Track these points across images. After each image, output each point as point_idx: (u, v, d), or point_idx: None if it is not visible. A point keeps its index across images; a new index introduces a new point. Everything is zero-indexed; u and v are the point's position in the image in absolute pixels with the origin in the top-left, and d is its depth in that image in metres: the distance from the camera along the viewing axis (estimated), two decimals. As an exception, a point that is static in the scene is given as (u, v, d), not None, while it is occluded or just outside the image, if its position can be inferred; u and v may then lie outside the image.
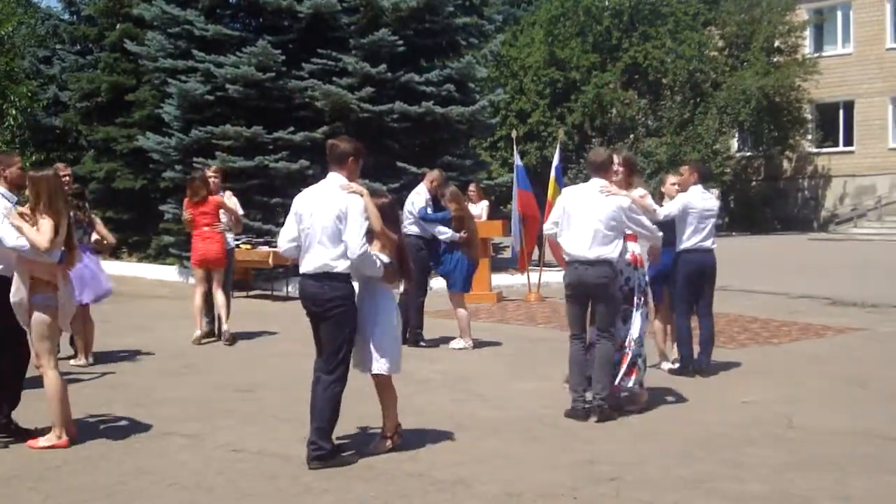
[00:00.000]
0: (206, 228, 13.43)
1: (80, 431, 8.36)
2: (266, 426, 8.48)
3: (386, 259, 7.49)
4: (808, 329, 13.93)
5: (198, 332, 13.38)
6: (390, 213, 7.80)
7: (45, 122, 28.89)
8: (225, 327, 13.40)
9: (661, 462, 7.31)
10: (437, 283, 20.10)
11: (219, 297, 13.51)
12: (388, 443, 7.69)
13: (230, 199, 14.10)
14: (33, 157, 26.10)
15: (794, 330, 13.81)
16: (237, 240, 15.79)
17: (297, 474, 7.09)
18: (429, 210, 13.28)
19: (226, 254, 13.69)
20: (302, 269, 7.49)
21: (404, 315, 13.37)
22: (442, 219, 13.17)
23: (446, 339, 13.29)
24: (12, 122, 26.52)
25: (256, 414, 9.03)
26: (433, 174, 13.77)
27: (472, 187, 19.39)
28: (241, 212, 14.21)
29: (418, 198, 13.42)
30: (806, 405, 9.20)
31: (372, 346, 7.52)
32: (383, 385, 7.73)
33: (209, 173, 14.05)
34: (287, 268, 19.29)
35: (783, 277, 20.23)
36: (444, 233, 13.12)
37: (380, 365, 7.55)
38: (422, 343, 13.16)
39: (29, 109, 27.22)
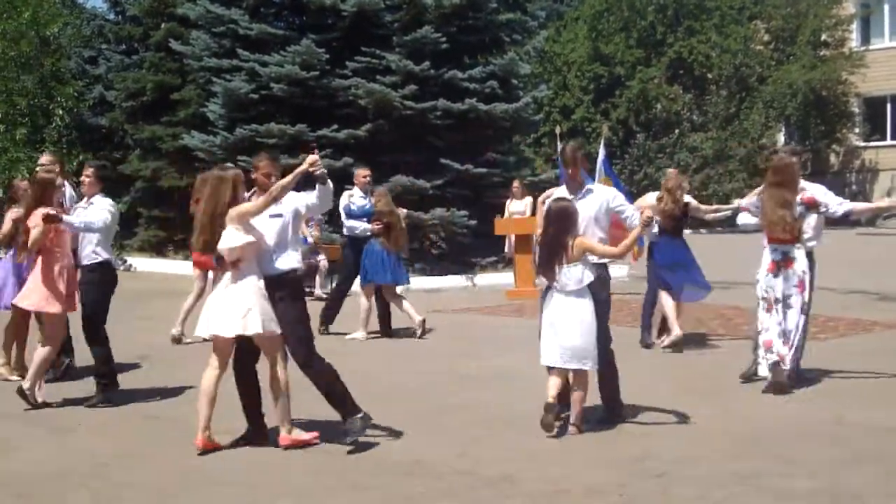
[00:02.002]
0: None
1: (127, 429, 8.44)
2: (310, 424, 8.48)
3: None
4: (856, 324, 13.77)
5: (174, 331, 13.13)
6: (552, 216, 8.14)
7: (92, 121, 29.09)
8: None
9: (709, 458, 7.25)
10: (481, 281, 20.15)
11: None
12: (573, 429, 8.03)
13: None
14: (80, 157, 26.25)
15: (842, 325, 13.66)
16: None
17: (343, 471, 7.10)
18: (353, 207, 13.76)
19: None
20: None
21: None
22: (361, 214, 13.64)
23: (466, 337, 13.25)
24: (59, 123, 26.66)
25: (300, 411, 9.03)
26: (359, 170, 14.15)
27: (515, 184, 19.41)
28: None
29: (342, 198, 13.87)
30: (856, 401, 9.09)
31: None
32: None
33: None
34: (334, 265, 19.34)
35: (831, 272, 19.88)
36: (356, 228, 13.62)
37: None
38: (322, 330, 13.43)
39: (75, 109, 27.37)
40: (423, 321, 13.51)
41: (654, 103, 40.55)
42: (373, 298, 13.56)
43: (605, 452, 7.50)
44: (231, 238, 7.54)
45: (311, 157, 7.56)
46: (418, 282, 19.32)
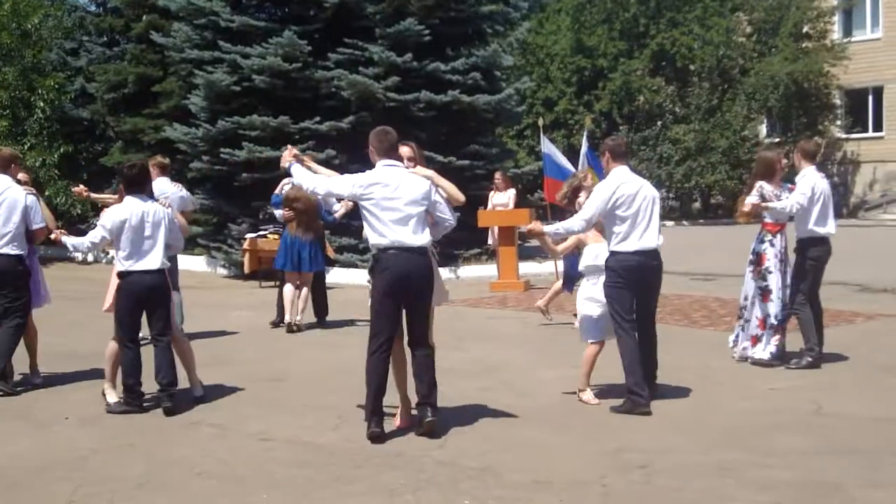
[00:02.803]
0: None
1: (110, 421, 8.42)
2: (296, 415, 8.49)
3: None
4: (837, 316, 13.80)
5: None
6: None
7: (73, 113, 28.93)
8: None
9: (690, 449, 7.28)
10: (465, 273, 20.17)
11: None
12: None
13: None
14: (62, 150, 26.14)
15: (824, 317, 13.67)
16: (264, 229, 15.93)
17: (326, 463, 7.11)
18: (280, 194, 13.83)
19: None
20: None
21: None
22: (279, 201, 13.74)
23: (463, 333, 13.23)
24: (40, 115, 26.48)
25: (286, 403, 9.05)
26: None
27: (498, 176, 19.37)
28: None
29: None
30: (835, 392, 9.15)
31: None
32: None
33: None
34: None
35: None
36: (277, 215, 13.91)
37: None
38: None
39: (56, 101, 27.22)
40: (292, 324, 13.35)
41: (637, 95, 40.63)
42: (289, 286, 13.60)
43: (587, 444, 7.53)
44: None
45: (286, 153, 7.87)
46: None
